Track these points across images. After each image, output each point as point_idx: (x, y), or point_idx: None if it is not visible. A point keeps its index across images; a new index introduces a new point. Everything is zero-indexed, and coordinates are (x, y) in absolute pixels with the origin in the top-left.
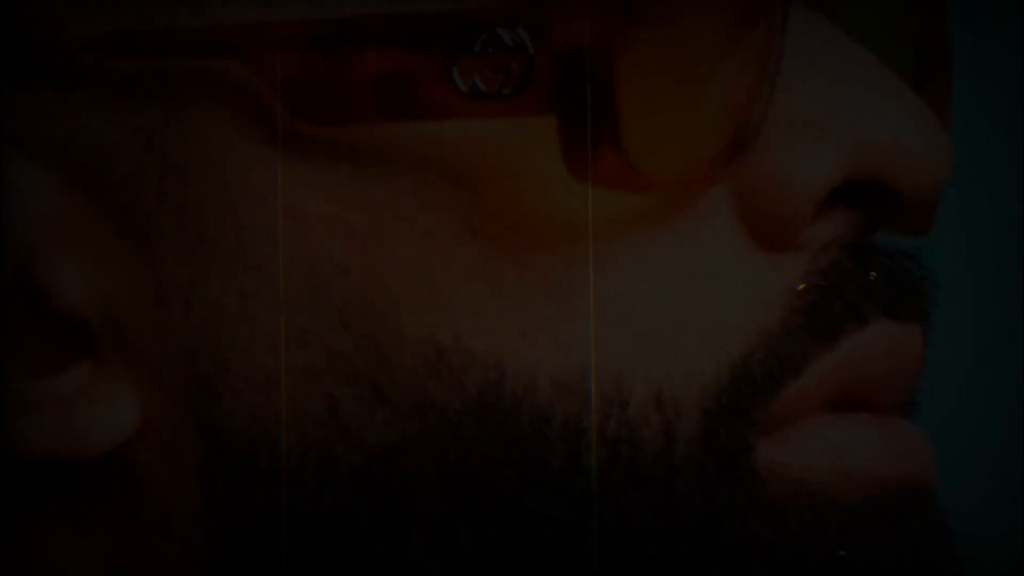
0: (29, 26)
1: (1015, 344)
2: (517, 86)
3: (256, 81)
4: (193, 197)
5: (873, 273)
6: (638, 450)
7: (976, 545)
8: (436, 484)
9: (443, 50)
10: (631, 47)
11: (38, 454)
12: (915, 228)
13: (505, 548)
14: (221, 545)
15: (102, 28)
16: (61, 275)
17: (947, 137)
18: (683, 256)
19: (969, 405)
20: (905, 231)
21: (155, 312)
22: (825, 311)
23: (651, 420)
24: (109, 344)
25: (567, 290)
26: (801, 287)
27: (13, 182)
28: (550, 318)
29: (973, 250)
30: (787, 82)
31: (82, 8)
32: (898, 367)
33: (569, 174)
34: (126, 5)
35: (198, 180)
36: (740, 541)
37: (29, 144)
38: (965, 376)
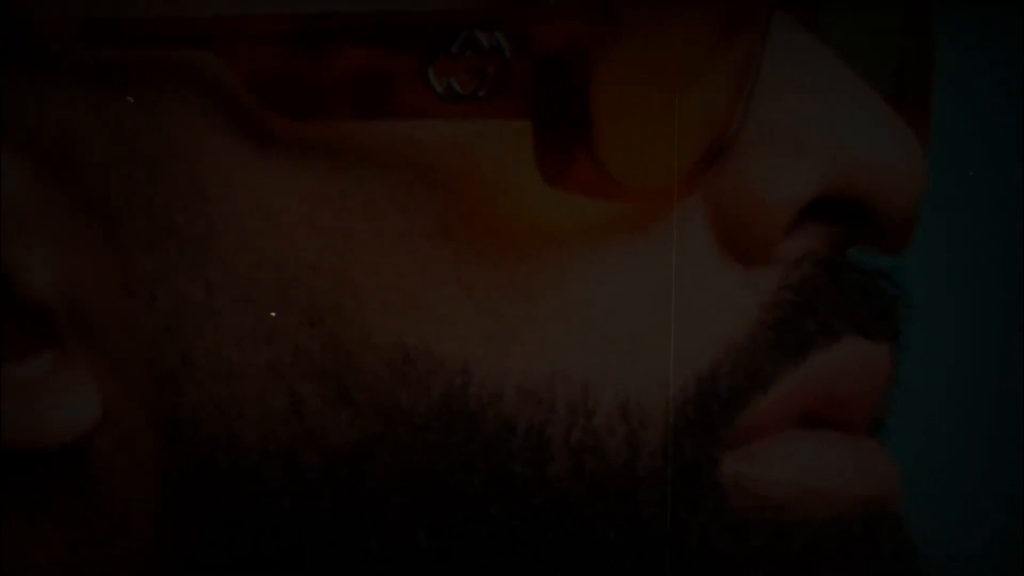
0: (0, 11)
1: (988, 365)
2: (492, 89)
3: (230, 75)
4: (162, 189)
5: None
6: (602, 460)
7: (942, 567)
8: (399, 488)
9: (419, 50)
10: (609, 54)
11: None
12: (891, 246)
13: (467, 555)
14: (176, 542)
15: (75, 16)
16: (26, 261)
17: (924, 155)
18: (655, 265)
19: (940, 426)
20: (881, 249)
21: (120, 303)
22: (796, 327)
23: (616, 430)
24: (73, 333)
25: (536, 296)
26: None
27: None
28: (518, 324)
29: (950, 270)
30: (766, 95)
31: None
32: (868, 386)
33: (543, 179)
34: None
35: (168, 172)
36: (702, 556)
37: None
38: (936, 397)
